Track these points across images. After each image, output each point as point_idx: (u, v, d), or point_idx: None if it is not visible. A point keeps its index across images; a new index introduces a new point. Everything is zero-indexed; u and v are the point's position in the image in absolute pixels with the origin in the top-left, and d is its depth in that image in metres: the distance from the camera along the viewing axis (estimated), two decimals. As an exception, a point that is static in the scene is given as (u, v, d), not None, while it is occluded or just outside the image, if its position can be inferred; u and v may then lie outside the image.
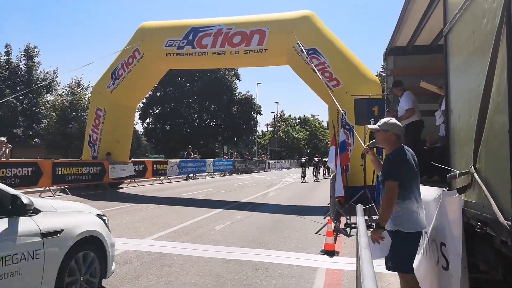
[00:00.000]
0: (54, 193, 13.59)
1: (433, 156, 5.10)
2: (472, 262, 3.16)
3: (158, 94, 44.74)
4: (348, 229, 8.25)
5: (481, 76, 2.53)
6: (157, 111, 45.88)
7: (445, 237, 3.07)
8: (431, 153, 5.46)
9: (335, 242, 6.66)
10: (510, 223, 2.15)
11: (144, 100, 40.45)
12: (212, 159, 28.74)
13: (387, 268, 3.56)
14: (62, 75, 50.44)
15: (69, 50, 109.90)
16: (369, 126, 3.82)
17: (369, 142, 4.05)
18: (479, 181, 2.54)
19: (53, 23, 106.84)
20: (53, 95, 37.96)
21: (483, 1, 2.57)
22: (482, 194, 2.48)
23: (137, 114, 37.91)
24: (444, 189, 3.30)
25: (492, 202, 2.32)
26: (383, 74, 28.48)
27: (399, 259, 3.41)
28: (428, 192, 3.58)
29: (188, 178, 24.23)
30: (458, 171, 2.97)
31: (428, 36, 6.50)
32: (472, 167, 2.66)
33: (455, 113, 3.33)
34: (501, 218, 2.19)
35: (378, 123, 3.73)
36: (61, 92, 38.40)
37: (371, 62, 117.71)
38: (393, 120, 3.71)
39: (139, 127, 49.93)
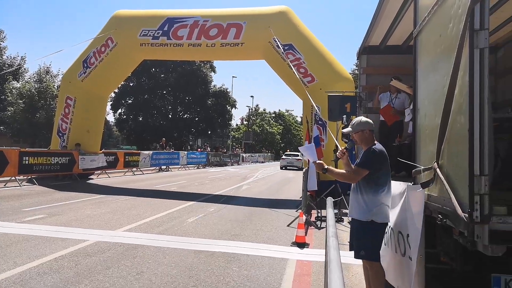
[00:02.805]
0: (21, 183, 13.16)
1: (401, 153, 5.31)
2: (435, 253, 3.34)
3: (131, 84, 43.89)
4: (318, 222, 8.45)
5: (445, 78, 2.67)
6: (130, 101, 45.06)
7: (409, 228, 3.24)
8: (399, 149, 5.68)
9: (305, 235, 6.83)
10: (467, 215, 2.31)
11: (116, 90, 39.60)
12: (186, 152, 28.55)
13: (359, 257, 3.69)
14: (31, 62, 48.45)
15: (37, 36, 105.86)
16: (343, 130, 3.95)
17: (346, 145, 4.14)
18: (441, 176, 2.69)
19: (22, 8, 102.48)
20: (20, 82, 36.53)
21: (450, 7, 2.71)
22: (443, 188, 2.63)
23: (108, 104, 37.04)
24: (409, 183, 3.48)
25: (452, 195, 2.47)
26: (356, 72, 29.00)
27: (373, 248, 3.57)
28: (394, 187, 3.75)
29: (160, 170, 23.99)
30: (422, 167, 3.13)
31: (400, 37, 6.71)
32: (435, 163, 2.82)
33: (421, 112, 3.50)
34: (459, 211, 2.35)
35: (351, 125, 3.84)
36: (29, 79, 37.02)
37: (345, 60, 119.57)
38: (364, 118, 3.87)
39: (111, 118, 48.91)
